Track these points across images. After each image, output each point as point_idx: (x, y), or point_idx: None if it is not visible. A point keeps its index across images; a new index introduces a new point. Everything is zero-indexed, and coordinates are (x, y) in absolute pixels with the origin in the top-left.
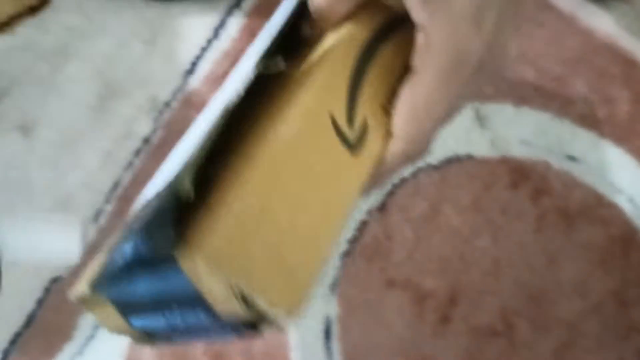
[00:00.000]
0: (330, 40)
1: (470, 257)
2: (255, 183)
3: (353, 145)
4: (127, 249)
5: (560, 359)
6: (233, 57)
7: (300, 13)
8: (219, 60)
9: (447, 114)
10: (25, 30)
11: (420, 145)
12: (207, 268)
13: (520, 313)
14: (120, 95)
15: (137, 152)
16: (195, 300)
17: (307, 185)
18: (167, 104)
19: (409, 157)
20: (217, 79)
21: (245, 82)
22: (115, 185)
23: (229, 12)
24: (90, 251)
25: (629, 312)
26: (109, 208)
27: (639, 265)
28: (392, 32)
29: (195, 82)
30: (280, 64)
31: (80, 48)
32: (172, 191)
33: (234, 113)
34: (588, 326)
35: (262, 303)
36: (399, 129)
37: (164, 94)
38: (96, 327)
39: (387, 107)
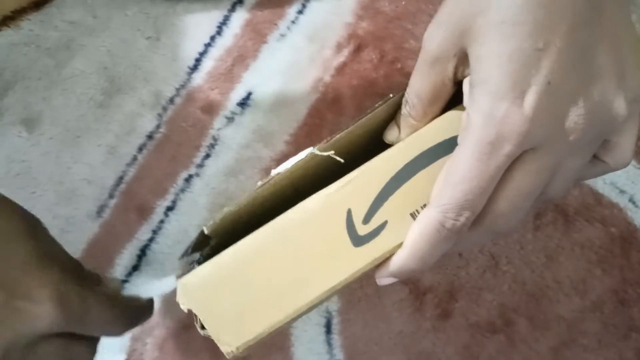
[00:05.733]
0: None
1: (469, 254)
2: (249, 248)
3: (359, 239)
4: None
5: (560, 357)
6: (236, 54)
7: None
8: (222, 56)
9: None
10: (30, 24)
11: (456, 217)
12: (182, 298)
13: (519, 310)
14: (124, 91)
15: (141, 148)
16: None
17: (295, 259)
18: (170, 100)
19: (447, 229)
20: (220, 75)
21: (302, 158)
22: (119, 180)
23: (232, 8)
24: (92, 246)
25: (628, 311)
26: (112, 203)
27: (639, 265)
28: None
29: (199, 78)
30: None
31: (85, 43)
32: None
33: (287, 182)
34: (588, 325)
35: (211, 336)
36: (432, 194)
37: (168, 90)
38: None
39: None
